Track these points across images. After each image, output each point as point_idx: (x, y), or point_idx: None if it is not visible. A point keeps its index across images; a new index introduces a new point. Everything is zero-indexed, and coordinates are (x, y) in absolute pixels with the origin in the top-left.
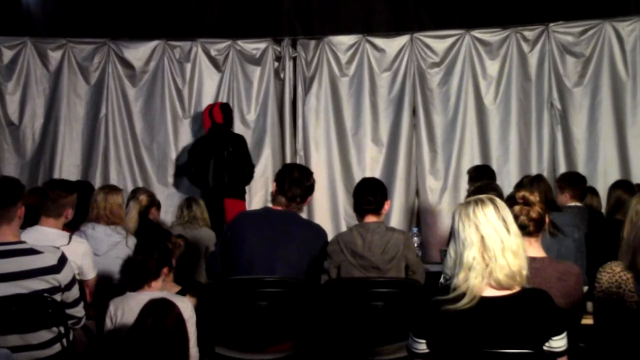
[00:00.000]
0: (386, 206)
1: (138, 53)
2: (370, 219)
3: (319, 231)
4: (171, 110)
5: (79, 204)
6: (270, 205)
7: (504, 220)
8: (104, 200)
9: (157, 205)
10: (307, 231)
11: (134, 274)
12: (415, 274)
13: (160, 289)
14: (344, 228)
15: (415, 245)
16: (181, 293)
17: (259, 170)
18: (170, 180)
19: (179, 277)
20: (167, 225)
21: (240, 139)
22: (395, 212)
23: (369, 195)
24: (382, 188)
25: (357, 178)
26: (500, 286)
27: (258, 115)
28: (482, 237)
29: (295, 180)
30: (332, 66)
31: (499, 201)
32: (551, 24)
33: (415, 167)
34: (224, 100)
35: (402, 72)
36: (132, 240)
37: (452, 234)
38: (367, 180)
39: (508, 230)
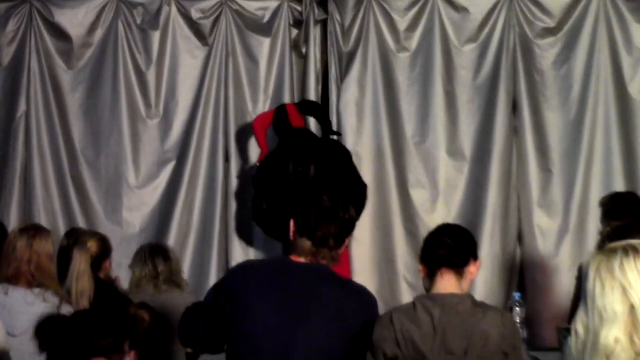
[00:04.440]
0: (472, 268)
1: (77, 16)
2: (448, 280)
3: (365, 297)
4: (129, 106)
5: None
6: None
7: None
8: (28, 249)
9: (110, 256)
10: (345, 297)
11: None
12: None
13: None
14: (404, 295)
15: (518, 320)
16: None
17: None
18: (127, 215)
19: None
20: (122, 287)
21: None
22: (486, 268)
23: (446, 237)
24: (468, 238)
25: (423, 212)
26: None
27: None
28: (633, 308)
29: (325, 212)
30: (384, 35)
31: None
32: None
33: (517, 196)
34: (213, 89)
35: (495, 45)
36: (68, 313)
37: (582, 301)
38: (446, 225)
39: None
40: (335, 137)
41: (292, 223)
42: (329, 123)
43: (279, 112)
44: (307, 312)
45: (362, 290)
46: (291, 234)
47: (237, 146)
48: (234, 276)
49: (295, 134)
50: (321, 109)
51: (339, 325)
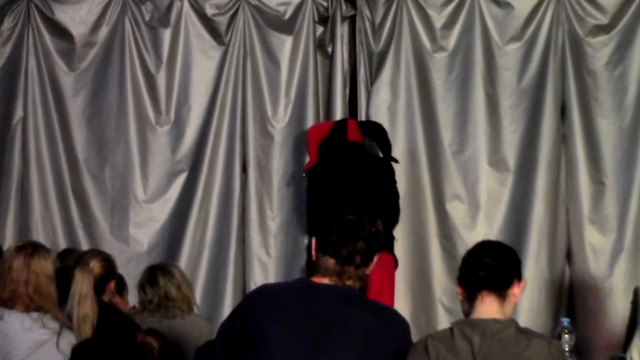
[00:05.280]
0: (516, 289)
1: (79, 12)
2: (488, 304)
3: (396, 322)
4: (136, 112)
5: None
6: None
7: None
8: (25, 269)
9: (116, 278)
10: (374, 321)
11: None
12: None
13: None
14: (440, 320)
15: (567, 349)
16: None
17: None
18: (134, 232)
19: None
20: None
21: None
22: (531, 291)
23: (486, 256)
24: (511, 257)
25: (462, 228)
26: None
27: (290, 118)
28: None
29: (349, 226)
30: (419, 34)
31: None
32: None
33: (566, 211)
34: (229, 92)
35: (541, 44)
36: (68, 339)
37: (638, 327)
38: (486, 242)
39: None
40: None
41: (313, 241)
42: (389, 148)
43: (338, 126)
44: (331, 339)
45: (393, 314)
46: (313, 252)
47: (255, 156)
48: (249, 301)
49: (348, 149)
50: (384, 132)
51: (368, 353)
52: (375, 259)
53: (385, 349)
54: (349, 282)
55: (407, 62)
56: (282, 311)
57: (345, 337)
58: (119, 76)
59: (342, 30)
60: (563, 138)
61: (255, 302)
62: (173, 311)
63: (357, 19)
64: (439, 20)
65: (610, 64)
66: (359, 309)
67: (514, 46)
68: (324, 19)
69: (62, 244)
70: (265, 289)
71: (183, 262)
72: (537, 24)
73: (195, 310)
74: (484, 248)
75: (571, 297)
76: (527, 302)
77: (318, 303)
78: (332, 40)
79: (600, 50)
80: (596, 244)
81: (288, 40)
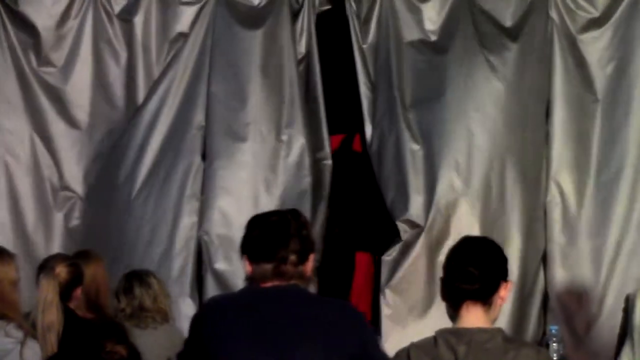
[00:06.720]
0: (502, 292)
1: (45, 4)
2: (474, 313)
3: (349, 311)
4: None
5: None
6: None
7: None
8: None
9: (82, 283)
10: (328, 314)
11: None
12: None
13: None
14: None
15: (555, 358)
16: None
17: None
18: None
19: None
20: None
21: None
22: (517, 297)
23: (471, 266)
24: (497, 260)
25: (448, 234)
26: None
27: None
28: None
29: (275, 227)
30: (404, 24)
31: None
32: None
33: (545, 213)
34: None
35: (530, 37)
36: (33, 349)
37: (628, 335)
38: (471, 242)
39: None
40: None
41: (244, 259)
42: None
43: (347, 138)
44: (292, 340)
45: (343, 304)
46: (248, 268)
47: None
48: (201, 319)
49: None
50: None
51: (332, 349)
52: (312, 257)
53: (349, 340)
54: (293, 282)
55: (394, 54)
56: (235, 322)
57: (306, 335)
58: (88, 71)
59: (310, 25)
60: (545, 138)
61: (206, 320)
62: (145, 321)
63: (348, 13)
64: (425, 10)
65: (602, 60)
66: (310, 306)
67: (502, 40)
68: (296, 13)
69: None
70: (213, 304)
71: None
72: (524, 15)
73: (171, 322)
74: (468, 252)
75: (559, 304)
76: (512, 308)
77: (271, 306)
78: (309, 35)
79: (591, 44)
80: (585, 250)
81: (259, 34)
